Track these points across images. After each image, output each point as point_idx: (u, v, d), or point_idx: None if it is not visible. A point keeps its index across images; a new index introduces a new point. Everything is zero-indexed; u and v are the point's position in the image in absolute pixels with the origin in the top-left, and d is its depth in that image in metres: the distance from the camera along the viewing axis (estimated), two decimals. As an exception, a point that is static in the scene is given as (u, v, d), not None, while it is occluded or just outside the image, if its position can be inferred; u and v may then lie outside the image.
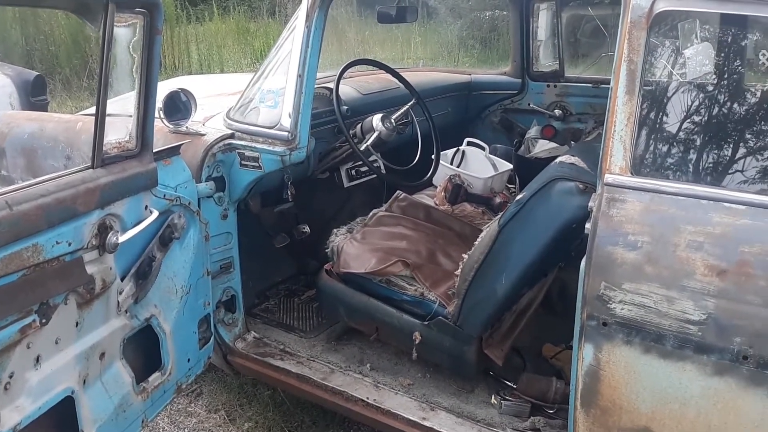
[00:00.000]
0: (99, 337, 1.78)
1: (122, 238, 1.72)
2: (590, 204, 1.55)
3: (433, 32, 11.92)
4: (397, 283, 2.19)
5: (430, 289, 2.13)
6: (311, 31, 2.15)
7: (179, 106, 2.37)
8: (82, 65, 9.19)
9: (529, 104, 3.57)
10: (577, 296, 1.54)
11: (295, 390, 2.31)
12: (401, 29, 11.61)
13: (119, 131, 1.80)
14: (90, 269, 1.67)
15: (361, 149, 2.37)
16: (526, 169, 2.79)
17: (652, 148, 1.55)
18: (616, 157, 1.51)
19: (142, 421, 1.96)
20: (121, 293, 1.84)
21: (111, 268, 1.75)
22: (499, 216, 1.91)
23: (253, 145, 2.23)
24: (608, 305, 1.48)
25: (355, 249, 2.28)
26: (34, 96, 5.13)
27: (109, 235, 1.70)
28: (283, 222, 2.89)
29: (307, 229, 2.97)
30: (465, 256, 1.99)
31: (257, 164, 2.24)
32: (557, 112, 3.45)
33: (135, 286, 1.89)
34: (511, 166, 2.83)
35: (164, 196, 1.94)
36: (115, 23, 1.64)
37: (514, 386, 2.11)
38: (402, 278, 2.19)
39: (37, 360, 1.55)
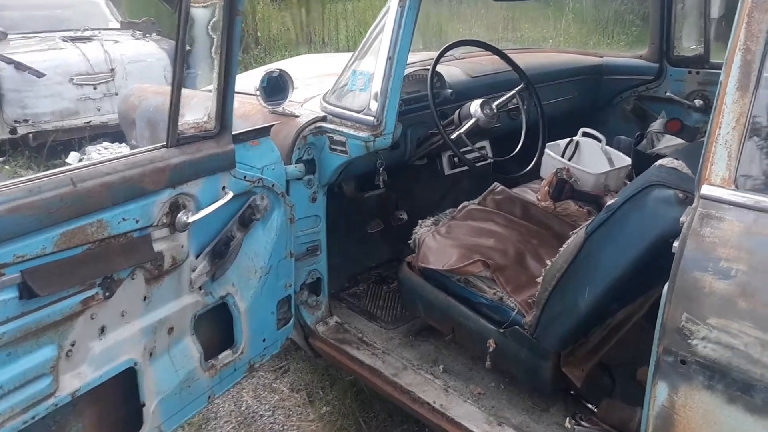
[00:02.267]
0: (168, 312, 1.83)
1: (193, 218, 1.75)
2: (681, 218, 1.32)
3: (589, 7, 11.20)
4: (475, 284, 2.05)
5: (510, 294, 1.96)
6: (404, 9, 2.03)
7: (280, 86, 2.37)
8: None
9: (666, 92, 3.18)
10: (656, 325, 1.32)
11: (366, 381, 2.26)
12: (553, 5, 11.03)
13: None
14: (159, 246, 1.71)
15: (453, 137, 2.23)
16: (645, 166, 2.46)
17: (764, 158, 1.27)
18: (719, 165, 1.26)
19: (209, 397, 2.01)
20: (194, 270, 1.88)
21: (182, 246, 1.79)
22: (587, 222, 1.70)
23: (341, 129, 2.17)
24: (689, 341, 1.25)
25: (436, 243, 2.17)
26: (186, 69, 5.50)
27: (180, 214, 1.73)
28: (380, 207, 2.84)
29: (404, 215, 2.90)
30: (549, 262, 1.81)
31: (344, 149, 2.19)
32: (697, 102, 3.05)
33: (210, 264, 1.93)
34: (629, 162, 2.53)
35: (245, 177, 1.95)
36: (193, 4, 1.65)
37: (595, 409, 1.90)
38: (481, 279, 2.04)
39: (102, 330, 1.63)
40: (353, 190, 2.62)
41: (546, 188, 2.42)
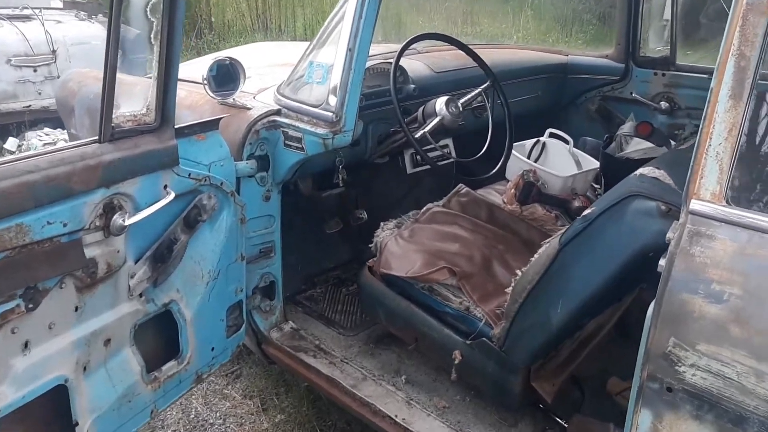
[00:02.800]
0: (104, 322, 1.66)
1: (130, 220, 1.57)
2: (668, 235, 1.22)
3: (547, 4, 11.22)
4: (440, 292, 1.93)
5: (477, 303, 1.85)
6: (366, -3, 1.89)
7: (231, 75, 2.20)
8: (191, 25, 9.39)
9: (631, 93, 3.13)
10: (639, 349, 1.22)
11: (324, 392, 2.12)
12: (513, 1, 11.01)
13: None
14: (92, 252, 1.54)
15: (417, 136, 2.10)
16: (613, 170, 2.41)
17: (758, 172, 1.18)
18: (709, 179, 1.16)
19: (152, 412, 1.85)
20: (133, 277, 1.70)
21: (119, 251, 1.62)
22: (561, 232, 1.60)
23: (297, 124, 2.02)
24: (676, 367, 1.16)
25: (399, 248, 2.04)
26: (132, 53, 5.21)
27: (116, 216, 1.55)
28: (339, 206, 2.69)
29: (364, 215, 2.76)
30: (519, 272, 1.70)
31: (300, 146, 2.04)
32: (663, 104, 3.00)
33: (151, 269, 1.76)
34: (597, 165, 2.46)
35: (189, 175, 1.78)
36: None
37: (565, 425, 1.81)
38: (447, 287, 1.92)
39: (26, 345, 1.44)
40: (310, 189, 2.47)
41: (512, 191, 2.32)
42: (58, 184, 1.38)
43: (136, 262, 1.72)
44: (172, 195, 1.67)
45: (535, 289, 1.62)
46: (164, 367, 1.88)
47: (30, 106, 5.51)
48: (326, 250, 2.80)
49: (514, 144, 2.50)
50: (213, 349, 2.07)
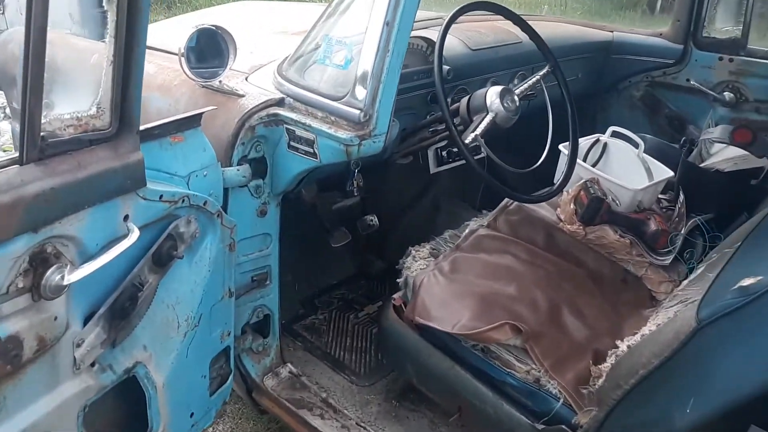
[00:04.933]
0: (37, 414, 1.15)
1: (72, 277, 1.05)
2: None
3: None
4: (499, 355, 1.45)
5: (551, 374, 1.38)
6: (414, -47, 1.36)
7: (218, 48, 1.65)
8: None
9: (687, 80, 2.64)
10: None
11: (334, 469, 1.65)
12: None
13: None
14: (12, 326, 1.02)
15: (468, 141, 1.59)
16: (695, 183, 1.94)
17: None
18: None
19: None
20: (80, 345, 1.19)
21: (56, 318, 1.10)
22: (696, 300, 1.12)
23: (308, 122, 1.49)
24: None
25: (440, 288, 1.55)
26: (94, 7, 4.55)
27: (50, 272, 1.03)
28: (346, 212, 2.18)
29: (375, 221, 2.26)
30: (623, 345, 1.23)
31: (312, 150, 1.52)
32: (726, 95, 2.52)
33: (107, 330, 1.25)
34: (671, 174, 1.98)
35: (161, 197, 1.25)
36: None
37: None
38: (508, 349, 1.45)
39: None
40: (315, 195, 1.95)
41: (571, 206, 1.83)
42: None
43: (85, 324, 1.21)
44: (136, 232, 1.15)
45: (652, 377, 1.15)
46: (127, 454, 1.39)
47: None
48: (328, 265, 2.31)
49: (563, 144, 2.00)
50: (192, 415, 1.58)
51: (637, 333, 1.30)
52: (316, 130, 1.47)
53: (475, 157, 1.74)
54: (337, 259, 2.30)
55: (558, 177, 1.84)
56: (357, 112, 1.41)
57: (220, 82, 1.64)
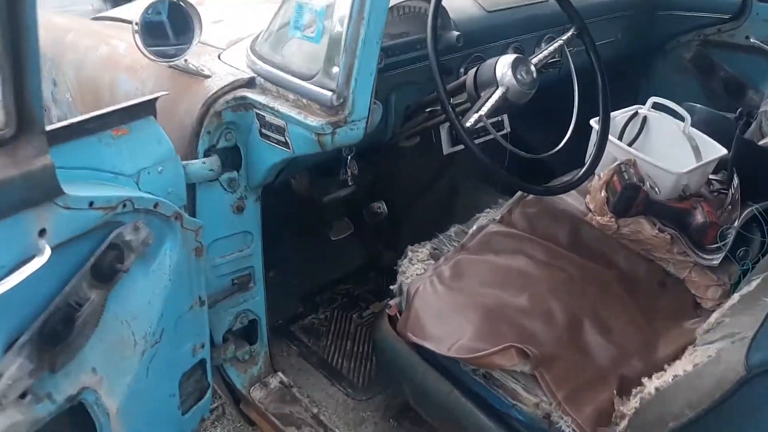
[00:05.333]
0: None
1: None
2: None
3: None
4: (504, 382, 1.21)
5: (563, 407, 1.14)
6: None
7: (184, 21, 1.43)
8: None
9: (747, 37, 2.28)
10: None
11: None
12: None
13: None
14: None
15: (469, 123, 1.33)
16: (753, 164, 1.63)
17: None
18: None
19: None
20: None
21: (-49, 357, 0.92)
22: (746, 338, 0.86)
23: (277, 107, 1.26)
24: None
25: (437, 299, 1.32)
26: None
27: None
28: (349, 202, 1.96)
29: (383, 208, 2.04)
30: (650, 385, 0.98)
31: (283, 139, 1.29)
32: (793, 55, 2.18)
33: (35, 358, 1.07)
34: (723, 151, 1.67)
35: (91, 204, 1.06)
36: None
37: None
38: (515, 376, 1.21)
39: None
40: (307, 186, 1.73)
41: (602, 193, 1.56)
42: None
43: (5, 353, 1.03)
44: (47, 252, 0.96)
45: (697, 424, 0.90)
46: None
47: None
48: (331, 258, 2.09)
49: (596, 118, 1.71)
50: (160, 440, 1.41)
51: (668, 368, 1.04)
52: (284, 115, 1.24)
53: (499, 133, 1.49)
54: (342, 251, 2.08)
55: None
56: (329, 94, 1.17)
57: (185, 61, 1.42)
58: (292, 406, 1.62)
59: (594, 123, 1.65)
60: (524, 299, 1.31)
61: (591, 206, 1.58)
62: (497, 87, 1.39)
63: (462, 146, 1.88)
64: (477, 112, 1.33)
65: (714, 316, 1.09)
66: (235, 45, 1.54)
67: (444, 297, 1.32)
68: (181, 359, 1.41)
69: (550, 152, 1.43)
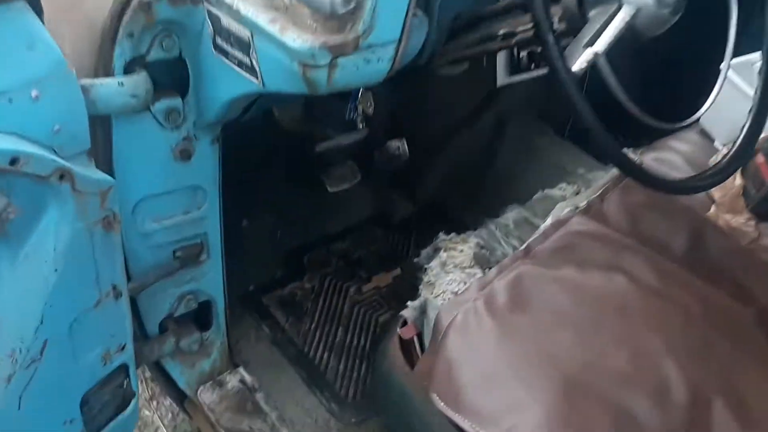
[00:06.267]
0: None
1: None
2: None
3: None
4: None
5: None
6: None
7: None
8: None
9: None
10: None
11: None
12: None
13: None
14: None
15: (577, 67, 0.76)
16: None
17: None
18: None
19: None
20: None
21: None
22: None
23: (238, 4, 0.70)
24: None
25: (484, 345, 0.82)
26: None
27: None
28: (357, 142, 1.41)
29: (403, 148, 1.52)
30: None
31: (248, 62, 0.74)
32: None
33: None
34: None
35: None
36: None
37: None
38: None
39: None
40: (300, 119, 1.19)
41: (738, 181, 1.02)
42: None
43: None
44: None
45: None
46: None
47: None
48: (327, 208, 1.58)
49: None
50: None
51: None
52: (248, 21, 0.68)
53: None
54: (342, 200, 1.55)
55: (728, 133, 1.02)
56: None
57: None
58: (253, 419, 1.18)
59: (734, 74, 1.08)
60: (624, 356, 0.82)
61: (717, 197, 1.05)
62: (621, 5, 0.82)
63: (523, 76, 1.33)
64: (590, 45, 0.77)
65: None
66: None
67: (496, 341, 0.82)
68: (81, 374, 0.94)
69: (688, 120, 0.88)
